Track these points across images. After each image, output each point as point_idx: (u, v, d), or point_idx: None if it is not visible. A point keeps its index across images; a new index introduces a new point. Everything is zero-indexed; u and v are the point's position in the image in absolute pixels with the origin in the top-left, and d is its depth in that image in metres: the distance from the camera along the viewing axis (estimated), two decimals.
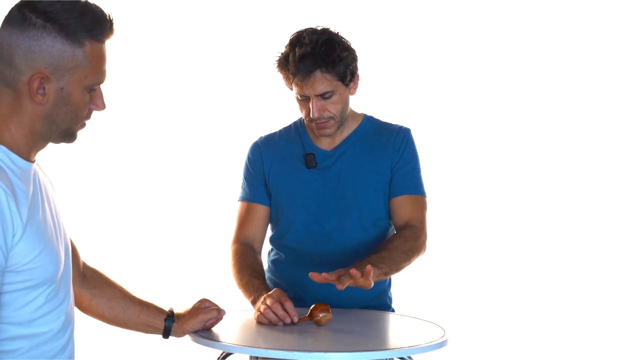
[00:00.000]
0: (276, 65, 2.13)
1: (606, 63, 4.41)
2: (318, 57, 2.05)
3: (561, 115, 4.49)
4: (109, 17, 1.41)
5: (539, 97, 4.49)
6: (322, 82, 2.08)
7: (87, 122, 1.47)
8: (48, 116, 1.40)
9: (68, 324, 1.51)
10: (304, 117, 2.19)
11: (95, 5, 1.40)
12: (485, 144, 4.54)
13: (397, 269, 2.07)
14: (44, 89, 1.37)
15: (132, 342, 3.89)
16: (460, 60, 4.48)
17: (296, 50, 2.07)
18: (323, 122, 2.14)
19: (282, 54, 2.12)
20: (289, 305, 1.90)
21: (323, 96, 2.10)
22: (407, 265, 2.11)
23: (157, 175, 4.53)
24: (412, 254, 2.11)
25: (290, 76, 2.09)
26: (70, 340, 1.53)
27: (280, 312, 1.89)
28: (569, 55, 4.43)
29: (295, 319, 1.90)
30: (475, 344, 3.95)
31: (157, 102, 4.50)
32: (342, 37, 2.13)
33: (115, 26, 1.42)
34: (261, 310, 1.92)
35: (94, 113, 1.48)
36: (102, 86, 1.48)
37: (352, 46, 2.15)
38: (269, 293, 1.96)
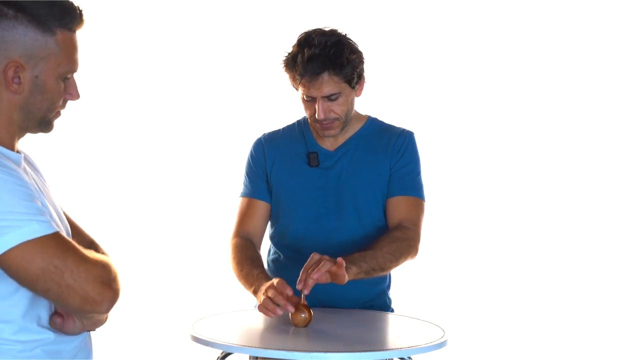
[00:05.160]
0: (283, 65, 2.12)
1: (606, 64, 4.41)
2: (327, 59, 2.05)
3: (563, 118, 4.49)
4: (78, 8, 1.44)
5: (542, 102, 4.49)
6: (329, 83, 2.07)
7: (62, 111, 1.49)
8: (24, 105, 1.42)
9: None
10: (308, 117, 2.19)
11: None
12: (484, 147, 4.54)
13: (382, 269, 2.04)
14: (19, 77, 1.40)
15: (132, 342, 3.89)
16: (464, 63, 4.48)
17: (305, 51, 2.06)
18: (328, 123, 2.15)
19: (289, 54, 2.11)
20: (290, 292, 1.89)
21: (329, 98, 2.10)
22: (393, 266, 2.08)
23: (159, 174, 4.53)
24: (400, 255, 2.08)
25: (298, 77, 2.08)
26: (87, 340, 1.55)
27: (282, 302, 1.87)
28: (570, 59, 4.43)
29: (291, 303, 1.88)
30: (475, 344, 3.95)
31: (160, 100, 4.50)
32: (350, 40, 2.13)
33: (84, 16, 1.45)
34: (261, 301, 1.91)
35: (69, 103, 1.50)
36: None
37: (360, 48, 2.15)
38: (271, 282, 1.94)
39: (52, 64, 1.42)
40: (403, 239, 2.10)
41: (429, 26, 4.45)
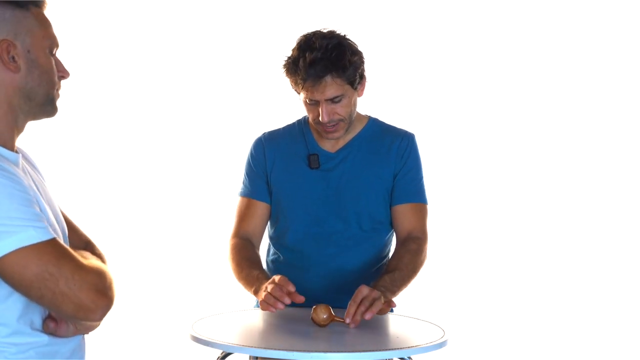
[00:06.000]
0: (284, 70, 2.11)
1: (606, 64, 4.41)
2: (329, 62, 2.03)
3: (565, 120, 4.49)
4: None
5: (544, 104, 4.49)
6: (332, 86, 2.06)
7: (60, 93, 1.51)
8: (24, 86, 1.43)
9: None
10: (312, 120, 2.18)
11: None
12: (484, 147, 4.54)
13: (407, 285, 2.11)
14: (14, 57, 1.41)
15: (132, 342, 3.89)
16: (465, 63, 4.47)
17: (306, 55, 2.04)
18: (333, 125, 2.14)
19: (289, 58, 2.10)
20: (292, 289, 1.90)
21: (333, 100, 2.09)
22: (414, 279, 2.14)
23: (159, 173, 4.52)
24: (419, 268, 2.16)
25: (300, 81, 2.07)
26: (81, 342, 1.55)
27: (279, 293, 1.88)
28: (571, 60, 4.43)
29: (294, 300, 1.89)
30: (475, 344, 3.95)
31: (159, 100, 4.50)
32: (349, 40, 2.12)
33: (46, 2, 1.49)
34: (262, 297, 1.92)
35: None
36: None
37: (359, 48, 2.14)
38: (272, 279, 1.95)
39: (37, 37, 1.44)
40: (419, 251, 2.16)
41: (427, 24, 4.44)
